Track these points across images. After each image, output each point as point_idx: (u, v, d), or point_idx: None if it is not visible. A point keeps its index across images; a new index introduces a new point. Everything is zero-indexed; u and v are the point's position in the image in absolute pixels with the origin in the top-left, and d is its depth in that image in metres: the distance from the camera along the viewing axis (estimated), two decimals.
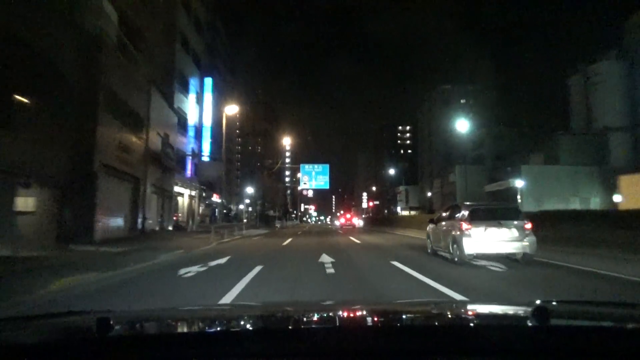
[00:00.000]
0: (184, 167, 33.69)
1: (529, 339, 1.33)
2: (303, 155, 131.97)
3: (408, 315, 1.93)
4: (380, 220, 61.86)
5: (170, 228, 27.54)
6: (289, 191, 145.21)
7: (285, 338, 1.37)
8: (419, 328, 1.57)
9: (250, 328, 1.67)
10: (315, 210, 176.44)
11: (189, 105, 36.42)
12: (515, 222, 9.95)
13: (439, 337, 1.36)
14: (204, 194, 52.63)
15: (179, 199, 36.39)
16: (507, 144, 56.67)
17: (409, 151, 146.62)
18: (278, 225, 54.46)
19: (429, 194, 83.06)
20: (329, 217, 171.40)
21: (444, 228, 11.58)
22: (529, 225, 9.97)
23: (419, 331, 1.47)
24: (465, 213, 10.40)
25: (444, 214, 12.45)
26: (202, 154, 32.71)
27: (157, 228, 24.98)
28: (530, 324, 1.47)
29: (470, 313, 1.99)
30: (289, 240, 22.60)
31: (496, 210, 10.72)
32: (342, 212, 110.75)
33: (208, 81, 42.46)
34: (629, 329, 1.50)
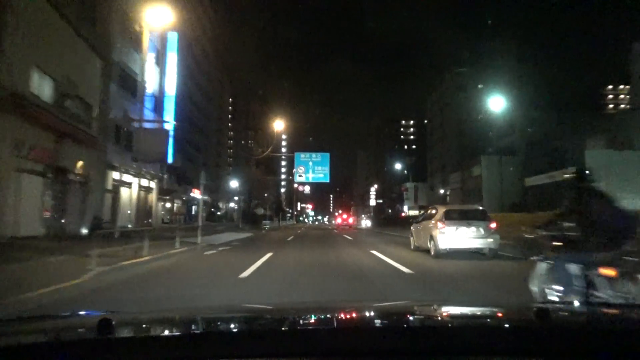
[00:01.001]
0: (125, 144, 23.59)
1: (528, 339, 1.32)
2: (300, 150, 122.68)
3: (407, 315, 1.94)
4: (387, 220, 52.08)
5: (84, 231, 17.54)
6: (283, 187, 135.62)
7: (285, 338, 1.37)
8: (417, 328, 1.57)
9: (251, 328, 1.68)
10: (312, 210, 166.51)
11: (146, 68, 26.02)
12: (482, 223, 12.06)
13: (438, 338, 1.34)
14: (175, 188, 42.54)
15: (126, 190, 26.34)
16: (545, 129, 46.79)
17: (414, 146, 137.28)
18: (267, 226, 44.32)
19: (442, 190, 73.19)
20: (327, 216, 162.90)
21: (424, 227, 13.65)
22: (493, 225, 12.14)
23: (417, 331, 1.47)
24: (441, 214, 12.50)
25: (424, 215, 14.91)
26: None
27: (43, 230, 15.03)
28: (529, 325, 1.47)
29: (469, 313, 1.98)
30: (266, 257, 12.63)
31: (466, 212, 13.28)
32: (340, 211, 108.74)
33: (173, 37, 32.32)
34: (628, 330, 1.48)
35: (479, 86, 73.77)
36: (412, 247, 14.96)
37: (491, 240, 11.80)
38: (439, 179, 77.31)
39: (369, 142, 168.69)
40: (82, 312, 1.91)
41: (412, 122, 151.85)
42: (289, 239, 25.23)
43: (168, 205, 47.12)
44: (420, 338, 1.33)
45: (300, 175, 47.60)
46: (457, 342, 1.29)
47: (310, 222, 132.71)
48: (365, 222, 52.12)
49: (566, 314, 1.90)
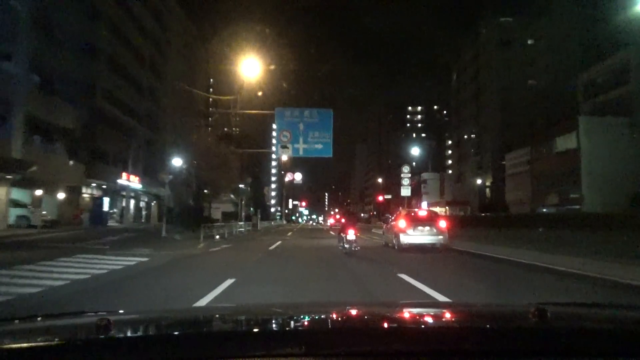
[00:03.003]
0: None
1: (526, 340, 1.32)
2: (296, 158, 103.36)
3: (405, 315, 1.93)
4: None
5: None
6: (274, 183, 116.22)
7: (285, 338, 1.38)
8: (415, 328, 1.57)
9: (249, 328, 1.68)
10: (306, 207, 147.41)
11: None
12: (435, 224, 14.61)
13: (437, 338, 1.34)
14: (39, 160, 23.56)
15: None
16: None
17: (423, 135, 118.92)
18: (225, 234, 24.94)
19: (479, 181, 54.46)
20: (322, 215, 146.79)
21: (391, 227, 16.37)
22: (443, 226, 14.60)
23: (415, 332, 1.47)
24: (403, 217, 15.30)
25: (392, 218, 17.45)
26: None
27: None
28: (528, 325, 1.48)
29: (468, 314, 1.98)
30: None
31: (423, 215, 15.75)
32: (336, 210, 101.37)
33: None
34: (628, 330, 1.49)
35: (529, 41, 55.05)
36: (383, 243, 17.85)
37: (441, 237, 14.33)
38: (473, 166, 58.57)
39: (369, 132, 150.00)
40: (80, 312, 1.90)
41: (419, 108, 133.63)
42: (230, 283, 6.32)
43: (61, 196, 27.95)
44: (418, 338, 1.33)
45: (284, 146, 28.57)
46: (455, 343, 1.28)
47: (304, 222, 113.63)
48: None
49: (565, 314, 1.90)
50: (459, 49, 67.37)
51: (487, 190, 52.50)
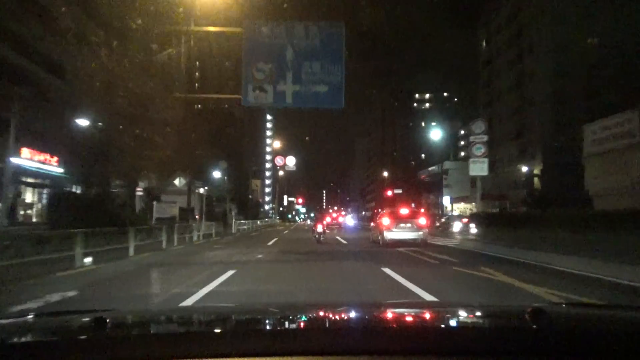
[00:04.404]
0: None
1: (525, 340, 1.31)
2: (290, 148, 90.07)
3: (403, 315, 1.92)
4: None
5: None
6: (268, 179, 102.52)
7: (282, 337, 1.38)
8: (414, 328, 1.56)
9: (248, 327, 1.66)
10: (303, 205, 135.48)
11: None
12: (415, 220, 16.07)
13: (435, 338, 1.33)
14: None
15: None
16: None
17: (433, 123, 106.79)
18: (130, 249, 12.65)
19: (524, 168, 42.44)
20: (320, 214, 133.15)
21: (376, 225, 17.95)
22: (423, 222, 16.26)
23: (414, 331, 1.46)
24: (387, 215, 16.62)
25: (377, 216, 20.50)
26: None
27: None
28: (526, 326, 1.47)
29: (466, 313, 1.94)
30: None
31: (406, 212, 16.89)
32: (335, 208, 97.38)
33: None
34: (626, 330, 1.48)
35: None
36: (371, 240, 18.77)
37: (421, 233, 15.72)
38: (513, 151, 46.48)
39: (372, 124, 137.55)
40: (77, 311, 1.86)
41: (427, 95, 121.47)
42: None
43: None
44: (416, 338, 1.31)
45: (261, 88, 16.40)
46: (453, 343, 1.28)
47: (300, 221, 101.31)
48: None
49: (564, 314, 1.89)
50: (487, 11, 55.03)
51: (536, 179, 40.52)
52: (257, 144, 78.01)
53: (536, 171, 40.25)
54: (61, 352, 1.18)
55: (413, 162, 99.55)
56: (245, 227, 33.66)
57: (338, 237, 23.20)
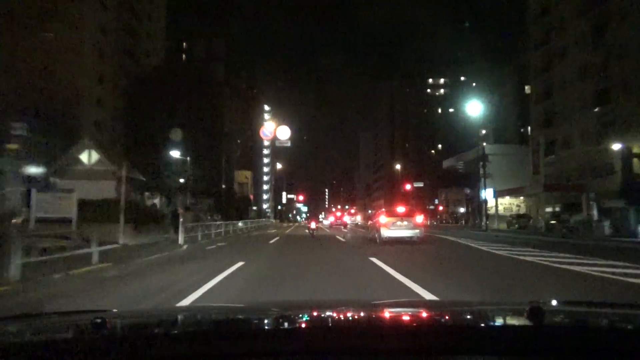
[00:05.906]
0: None
1: (524, 339, 1.31)
2: (294, 148, 78.29)
3: (402, 314, 1.92)
4: None
5: None
6: (266, 175, 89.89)
7: (284, 337, 1.37)
8: (414, 328, 1.56)
9: (248, 327, 1.66)
10: (304, 202, 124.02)
11: None
12: (411, 219, 16.22)
13: (434, 337, 1.33)
14: None
15: None
16: None
17: (450, 110, 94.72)
18: None
19: (616, 146, 30.31)
20: (322, 213, 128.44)
21: (374, 223, 18.60)
22: (419, 221, 16.45)
23: (413, 331, 1.45)
24: (383, 215, 16.77)
25: (374, 215, 21.56)
26: None
27: None
28: (525, 324, 1.47)
29: (465, 313, 1.95)
30: None
31: (402, 211, 17.01)
32: (347, 208, 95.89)
33: None
34: (625, 329, 1.48)
35: None
36: (369, 237, 19.58)
37: (417, 231, 15.99)
38: (590, 124, 34.49)
39: (379, 114, 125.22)
40: (77, 311, 1.86)
41: (442, 81, 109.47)
42: None
43: None
44: (416, 337, 1.31)
45: None
46: (453, 342, 1.28)
47: (302, 221, 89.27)
48: None
49: (562, 313, 1.89)
50: None
51: (636, 161, 28.70)
52: (251, 132, 66.06)
53: (636, 149, 28.43)
54: (60, 353, 1.17)
55: (433, 152, 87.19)
56: (218, 230, 21.86)
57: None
